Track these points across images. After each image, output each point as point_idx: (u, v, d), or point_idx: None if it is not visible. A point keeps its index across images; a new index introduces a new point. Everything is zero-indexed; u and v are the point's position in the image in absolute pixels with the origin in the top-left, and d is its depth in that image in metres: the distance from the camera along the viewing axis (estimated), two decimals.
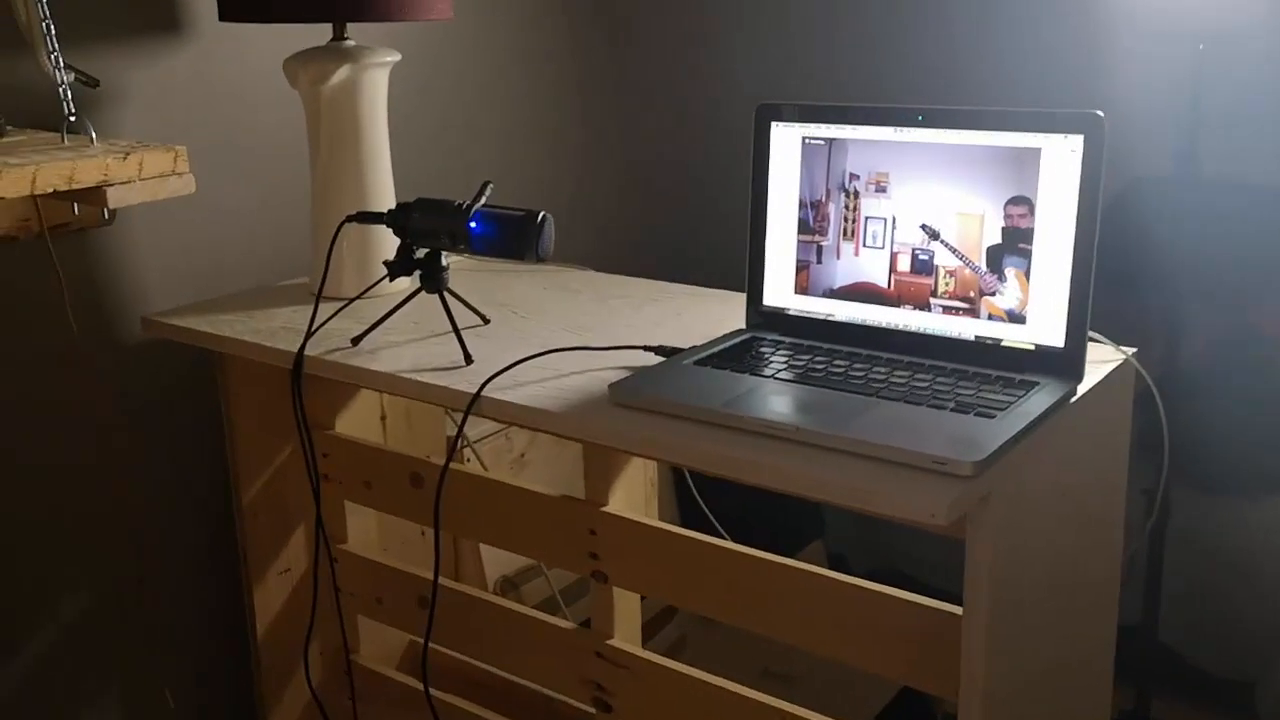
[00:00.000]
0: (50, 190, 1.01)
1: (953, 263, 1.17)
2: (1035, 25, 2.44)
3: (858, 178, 1.21)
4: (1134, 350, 1.22)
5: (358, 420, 1.64)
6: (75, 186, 1.04)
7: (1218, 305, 3.22)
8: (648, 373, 1.17)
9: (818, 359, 1.18)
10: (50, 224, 1.35)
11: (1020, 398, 1.06)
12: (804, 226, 1.24)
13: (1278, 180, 3.04)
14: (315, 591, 1.57)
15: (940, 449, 0.95)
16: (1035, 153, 1.10)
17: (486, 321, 1.38)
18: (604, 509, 1.36)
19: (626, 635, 1.42)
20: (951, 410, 1.04)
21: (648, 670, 1.38)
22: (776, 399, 1.09)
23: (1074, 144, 1.08)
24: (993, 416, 1.02)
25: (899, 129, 1.18)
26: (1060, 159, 1.09)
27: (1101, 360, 1.19)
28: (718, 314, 1.38)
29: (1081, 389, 1.11)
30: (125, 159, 1.07)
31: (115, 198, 1.07)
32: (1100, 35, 2.22)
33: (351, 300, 1.38)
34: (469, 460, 1.78)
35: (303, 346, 1.29)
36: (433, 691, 1.51)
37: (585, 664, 1.42)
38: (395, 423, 1.71)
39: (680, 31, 2.26)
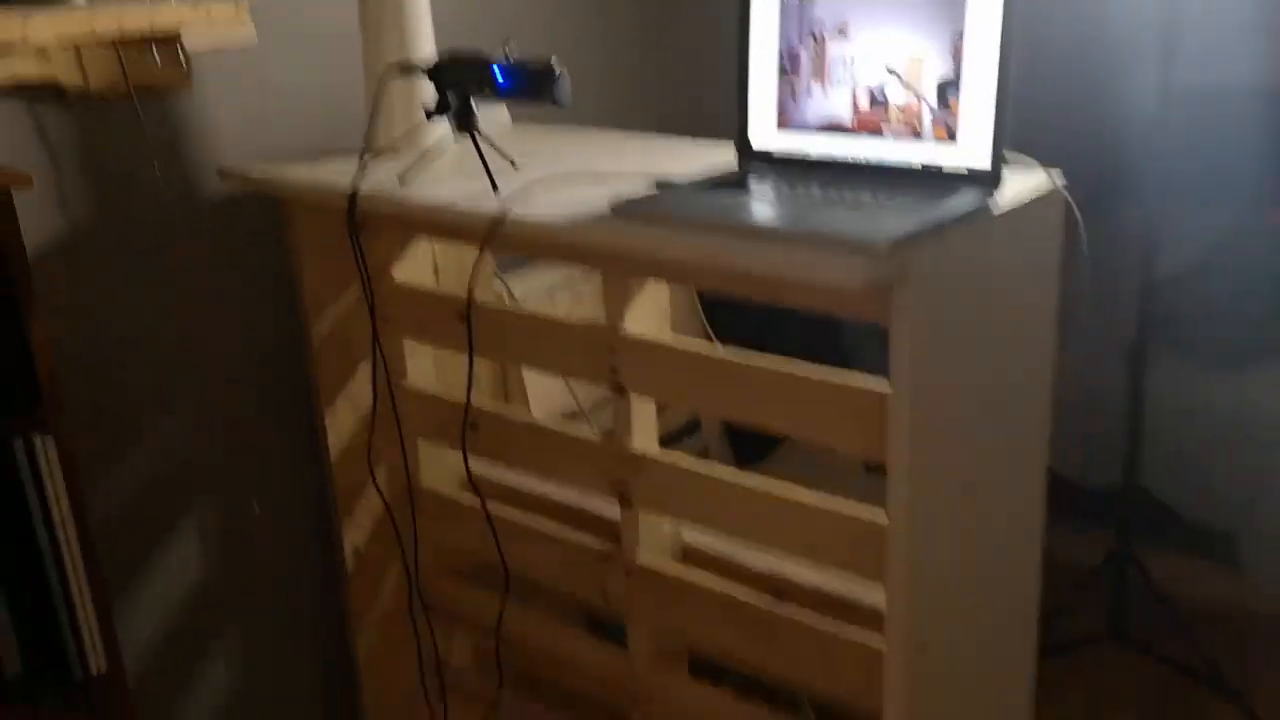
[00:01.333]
0: (135, 33, 1.23)
1: (903, 98, 1.35)
2: None
3: (825, 23, 1.39)
4: (1058, 171, 1.39)
5: (413, 269, 1.87)
6: (156, 32, 1.26)
7: (1213, 202, 3.34)
8: (647, 195, 1.38)
9: (788, 183, 1.38)
10: (136, 83, 1.58)
11: (944, 203, 1.25)
12: (782, 69, 1.44)
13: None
14: (373, 417, 1.82)
15: (865, 234, 1.15)
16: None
17: (515, 166, 1.59)
18: (620, 329, 1.57)
19: (643, 439, 1.64)
20: (886, 211, 1.24)
21: (661, 468, 1.60)
22: (747, 208, 1.29)
23: None
24: (916, 214, 1.21)
25: None
26: (984, 4, 1.27)
27: (1034, 186, 1.37)
28: (715, 156, 1.58)
29: (1005, 204, 1.30)
30: (195, 7, 1.29)
31: (191, 42, 1.29)
32: None
33: (395, 148, 1.61)
34: (504, 297, 2.01)
35: (356, 182, 1.52)
36: (488, 507, 1.76)
37: (608, 465, 1.65)
38: (447, 274, 1.93)
39: None
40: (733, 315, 1.89)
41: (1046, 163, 1.39)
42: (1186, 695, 2.54)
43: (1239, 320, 2.89)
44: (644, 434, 1.64)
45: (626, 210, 1.32)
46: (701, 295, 2.30)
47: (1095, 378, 2.66)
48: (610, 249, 1.35)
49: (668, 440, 2.22)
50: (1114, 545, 2.55)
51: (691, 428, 2.28)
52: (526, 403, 2.08)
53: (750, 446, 2.38)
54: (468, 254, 1.56)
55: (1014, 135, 1.33)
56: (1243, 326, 2.88)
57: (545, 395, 2.11)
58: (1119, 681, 2.65)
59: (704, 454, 2.25)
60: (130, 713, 1.50)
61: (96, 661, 1.43)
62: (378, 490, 1.89)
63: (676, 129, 1.82)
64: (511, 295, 2.05)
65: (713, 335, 1.92)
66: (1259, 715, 2.39)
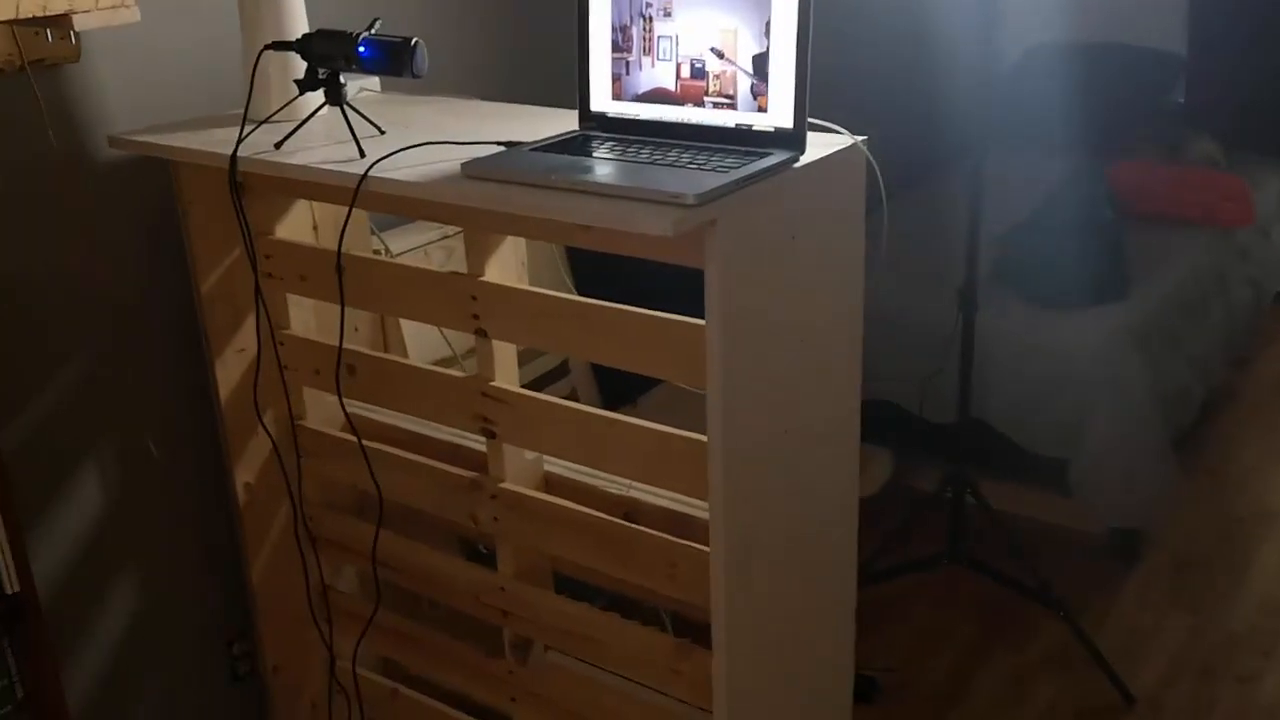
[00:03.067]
0: (30, 16, 1.38)
1: (719, 68, 1.55)
2: None
3: (651, 5, 1.58)
4: (863, 138, 1.61)
5: (294, 228, 2.02)
6: (49, 13, 1.41)
7: (1075, 156, 3.62)
8: (494, 156, 1.57)
9: (621, 146, 1.57)
10: (30, 58, 1.72)
11: (751, 161, 1.46)
12: (615, 46, 1.62)
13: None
14: (258, 364, 1.98)
15: (677, 188, 1.35)
16: None
17: (382, 132, 1.76)
18: (481, 278, 1.76)
19: (505, 378, 1.83)
20: (700, 169, 1.44)
21: (522, 402, 1.80)
22: (580, 167, 1.49)
23: None
24: (725, 171, 1.42)
25: None
26: None
27: (834, 144, 1.58)
28: (562, 123, 1.76)
29: (806, 159, 1.51)
30: None
31: (80, 23, 1.45)
32: None
33: (273, 114, 1.77)
34: (381, 253, 2.18)
35: (235, 149, 1.68)
36: (364, 443, 1.94)
37: (474, 403, 1.83)
38: (325, 231, 2.09)
39: None
40: (606, 273, 2.06)
41: (883, 127, 1.59)
42: (1020, 610, 2.83)
43: (1069, 264, 3.17)
44: (505, 373, 1.83)
45: (474, 170, 1.51)
46: (571, 254, 2.49)
47: (935, 320, 2.89)
48: (460, 205, 1.53)
49: (538, 384, 2.42)
50: (948, 473, 2.80)
51: (561, 372, 2.48)
52: (405, 352, 2.26)
53: (617, 389, 2.59)
54: (343, 212, 1.73)
55: (848, 104, 1.54)
56: (1071, 270, 3.15)
57: (422, 346, 2.29)
58: (959, 598, 2.93)
59: (572, 396, 2.45)
60: (43, 629, 1.66)
61: (10, 582, 1.59)
62: (265, 431, 2.05)
63: (534, 100, 2.00)
64: (389, 251, 2.22)
65: (573, 285, 2.11)
66: (1081, 626, 2.67)
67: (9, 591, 1.59)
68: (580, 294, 2.35)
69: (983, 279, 2.69)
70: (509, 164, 1.52)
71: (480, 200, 1.48)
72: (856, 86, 3.30)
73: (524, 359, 2.28)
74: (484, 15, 2.54)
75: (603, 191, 1.41)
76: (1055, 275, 3.12)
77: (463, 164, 1.53)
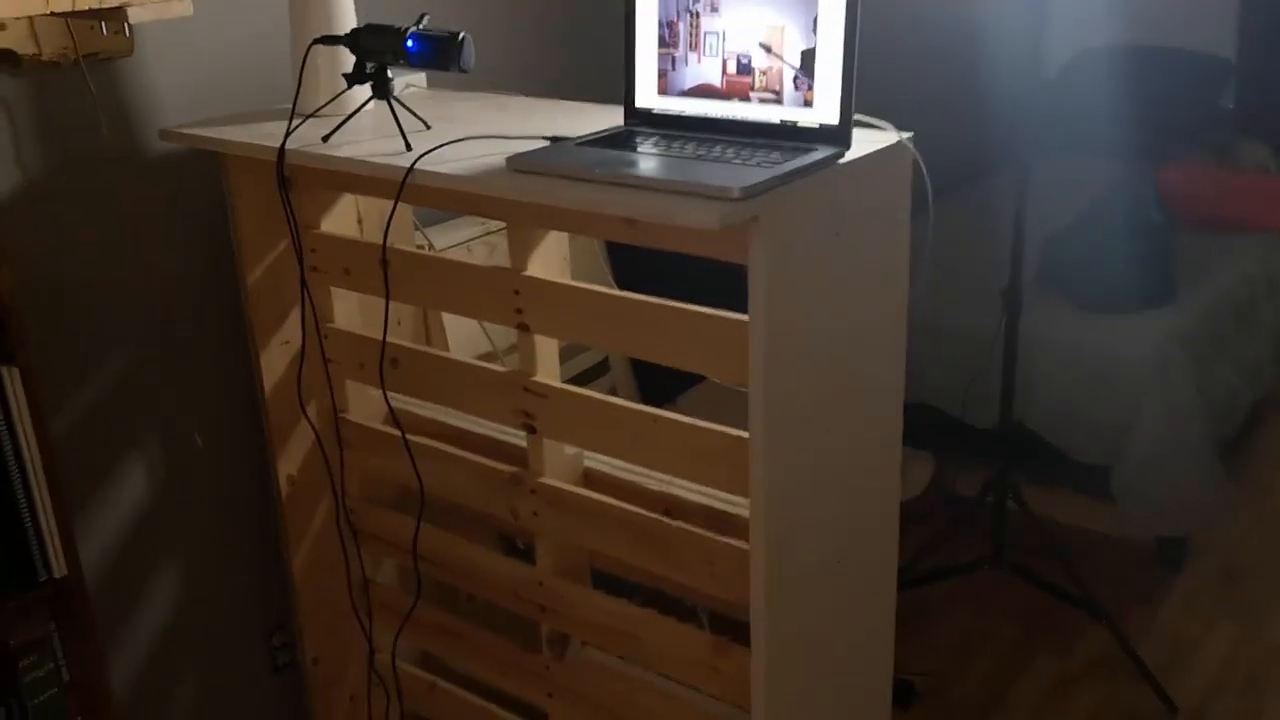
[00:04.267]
0: (86, 9, 1.40)
1: (766, 64, 1.55)
2: None
3: (699, 0, 1.58)
4: (910, 134, 1.60)
5: (339, 222, 2.04)
6: (105, 5, 1.43)
7: (1124, 160, 3.58)
8: (539, 150, 1.57)
9: (666, 141, 1.57)
10: (84, 51, 1.74)
11: (797, 156, 1.45)
12: (662, 41, 1.62)
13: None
14: (303, 357, 2.00)
15: (722, 182, 1.35)
16: None
17: (428, 127, 1.77)
18: (524, 272, 1.76)
19: (546, 372, 1.83)
20: (745, 164, 1.43)
21: (562, 397, 1.80)
22: (625, 161, 1.49)
23: None
24: (771, 166, 1.41)
25: None
26: None
27: (881, 141, 1.57)
28: (607, 119, 1.77)
29: (852, 155, 1.50)
30: None
31: (134, 16, 1.47)
32: None
33: (321, 108, 1.78)
34: (424, 249, 2.19)
35: (284, 142, 1.70)
36: (406, 436, 1.95)
37: (515, 397, 1.84)
38: (369, 225, 2.11)
39: None
40: (646, 273, 2.06)
41: (929, 128, 1.58)
42: (1062, 616, 2.80)
43: (1116, 268, 3.13)
44: (546, 368, 1.83)
45: (520, 163, 1.51)
46: (612, 254, 2.49)
47: (979, 323, 2.87)
48: (505, 199, 1.54)
49: (578, 381, 2.42)
50: (991, 478, 2.77)
51: (601, 370, 2.48)
52: (446, 347, 2.27)
53: (656, 387, 2.58)
54: (387, 207, 1.74)
55: (895, 105, 1.53)
56: (1119, 274, 3.12)
57: (464, 341, 2.30)
58: (1000, 603, 2.91)
59: (611, 394, 2.45)
60: (90, 613, 1.68)
61: (58, 566, 1.61)
62: (309, 423, 2.07)
63: (580, 96, 2.00)
64: (431, 246, 2.23)
65: (614, 281, 2.11)
66: (1125, 634, 2.64)
67: (57, 575, 1.61)
68: (621, 285, 2.37)
69: (1028, 282, 2.67)
70: (554, 158, 1.53)
71: (525, 194, 1.48)
72: (903, 87, 3.29)
73: (564, 357, 2.29)
74: (531, 11, 2.55)
75: (648, 185, 1.41)
76: (1102, 279, 3.09)
77: (508, 158, 1.53)
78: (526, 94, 2.07)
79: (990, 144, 3.56)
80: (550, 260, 1.79)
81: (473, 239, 2.32)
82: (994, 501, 2.77)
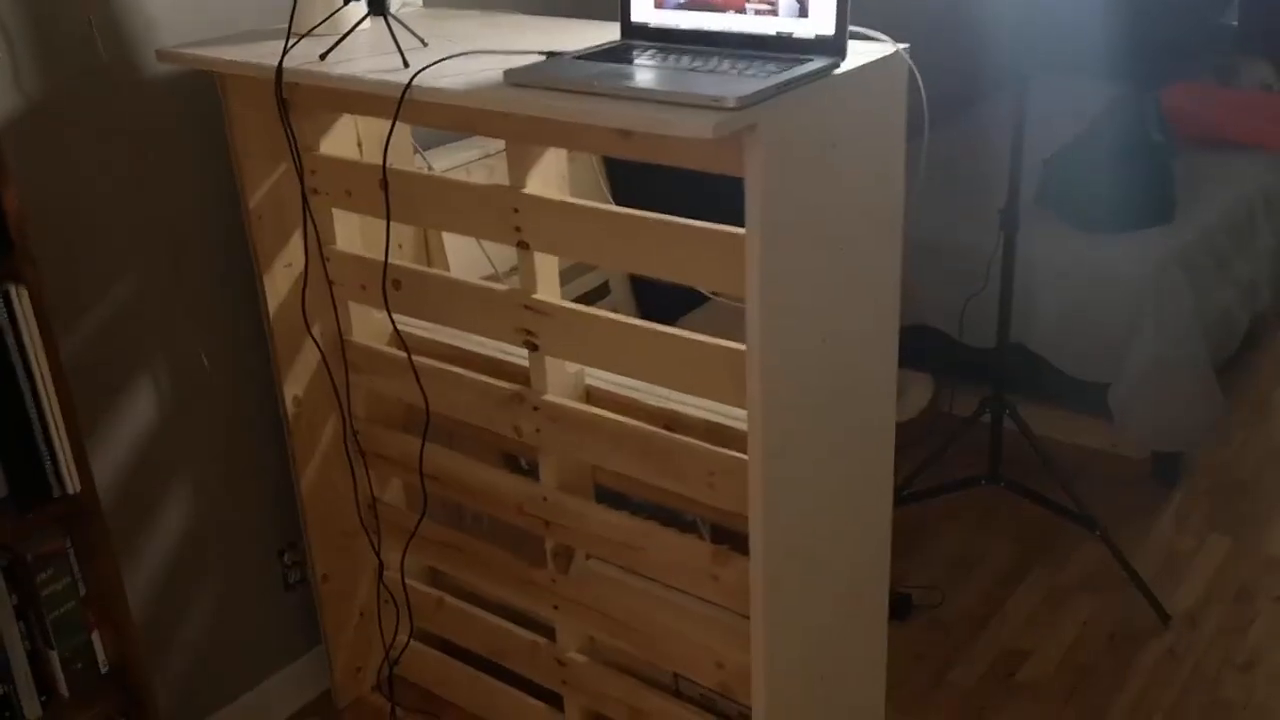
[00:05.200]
0: None
1: None
2: None
3: None
4: (905, 45, 1.60)
5: (339, 144, 2.05)
6: None
7: (1125, 80, 3.56)
8: (536, 64, 1.58)
9: (663, 54, 1.58)
10: None
11: (792, 66, 1.46)
12: None
13: None
14: (305, 278, 2.02)
15: (717, 92, 1.36)
16: None
17: (425, 44, 1.77)
18: (523, 190, 1.78)
19: (547, 290, 1.85)
20: (741, 75, 1.44)
21: (563, 314, 1.82)
22: (622, 74, 1.49)
23: None
24: (766, 76, 1.42)
25: None
26: None
27: (876, 51, 1.58)
28: (604, 34, 1.77)
29: (848, 66, 1.51)
30: None
31: None
32: None
33: (317, 26, 1.79)
34: (424, 169, 2.21)
35: (281, 60, 1.70)
36: (412, 357, 1.98)
37: (516, 315, 1.86)
38: (369, 147, 2.12)
39: None
40: (644, 191, 2.07)
41: (927, 48, 1.58)
42: (1057, 531, 2.84)
43: (1115, 188, 3.13)
44: (547, 286, 1.85)
45: (517, 77, 1.52)
46: (610, 172, 2.50)
47: (977, 244, 2.88)
48: (503, 113, 1.55)
49: (580, 303, 2.44)
50: (988, 396, 2.80)
51: (602, 292, 2.50)
52: (447, 268, 2.29)
53: (657, 309, 2.61)
54: (386, 128, 1.76)
55: (891, 28, 1.54)
56: (1118, 194, 3.12)
57: (465, 263, 2.32)
58: (997, 519, 2.95)
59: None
60: (103, 529, 1.72)
61: (72, 482, 1.64)
62: (316, 344, 2.10)
63: (577, 13, 2.00)
64: (431, 169, 2.24)
65: (612, 198, 2.12)
66: (1119, 547, 2.68)
67: (70, 491, 1.65)
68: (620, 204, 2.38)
69: (1026, 204, 2.68)
70: (551, 71, 1.53)
71: (522, 106, 1.49)
72: (898, 9, 3.27)
73: (564, 279, 2.31)
74: None
75: (644, 96, 1.42)
76: (1101, 198, 3.10)
77: (505, 71, 1.54)
78: (524, 10, 2.07)
79: (989, 65, 3.54)
80: (549, 178, 1.80)
81: (471, 161, 2.33)
82: (991, 419, 2.80)
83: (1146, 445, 3.11)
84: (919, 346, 3.15)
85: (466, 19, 2.00)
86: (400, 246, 2.25)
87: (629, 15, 1.67)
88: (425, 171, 2.24)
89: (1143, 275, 3.00)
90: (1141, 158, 3.14)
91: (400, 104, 1.59)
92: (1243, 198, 3.44)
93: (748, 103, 1.35)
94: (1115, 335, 3.01)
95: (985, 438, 2.80)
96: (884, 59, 1.57)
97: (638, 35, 1.66)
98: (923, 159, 1.70)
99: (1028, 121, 2.57)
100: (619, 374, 1.88)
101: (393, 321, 1.92)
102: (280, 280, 2.08)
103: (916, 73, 1.61)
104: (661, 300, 2.67)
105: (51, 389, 1.59)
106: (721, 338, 1.66)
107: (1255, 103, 3.71)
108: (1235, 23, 4.15)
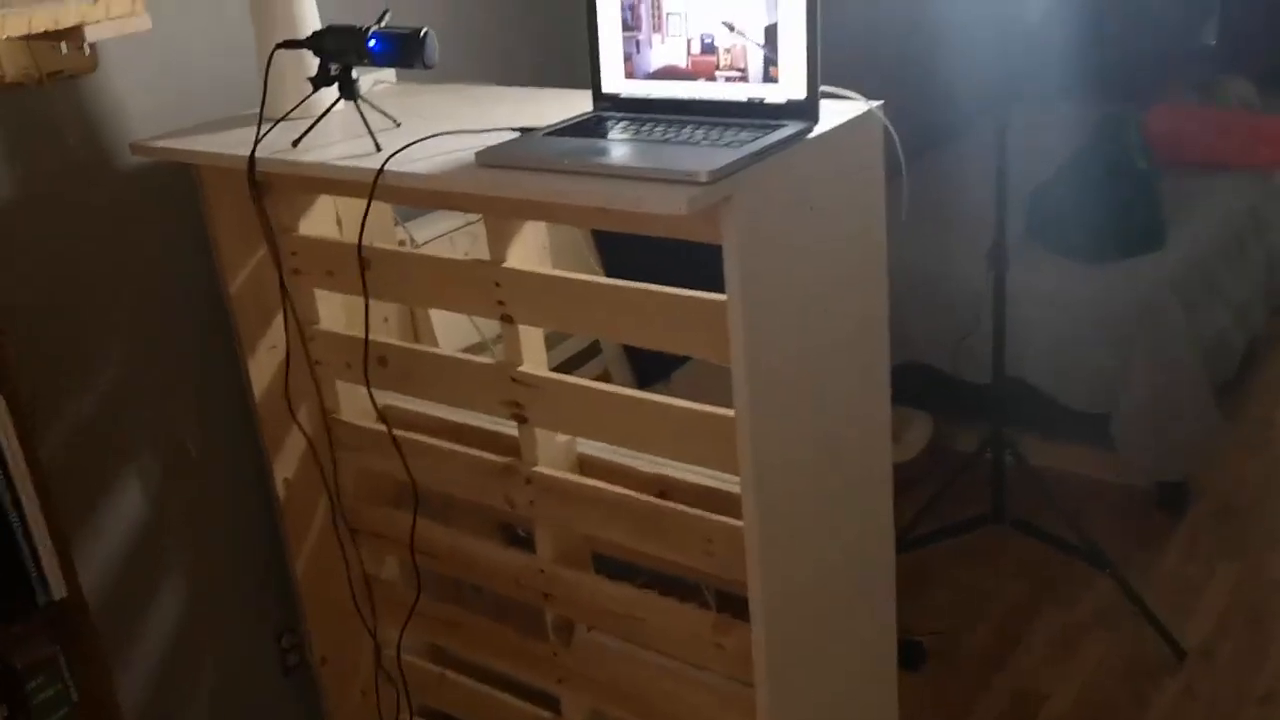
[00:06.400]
0: (42, 30, 1.40)
1: (730, 42, 1.54)
2: None
3: None
4: (879, 102, 1.59)
5: (318, 222, 2.04)
6: (61, 26, 1.43)
7: (1108, 104, 3.55)
8: (507, 143, 1.56)
9: (635, 125, 1.57)
10: (47, 70, 1.74)
11: (764, 134, 1.45)
12: (625, 24, 1.62)
13: None
14: (288, 361, 2.01)
15: (690, 166, 1.35)
16: None
17: (398, 124, 1.76)
18: (503, 265, 1.76)
19: (533, 362, 1.83)
20: (714, 146, 1.43)
21: (550, 386, 1.80)
22: (593, 149, 1.48)
23: None
24: (739, 146, 1.41)
25: None
26: None
27: (851, 112, 1.56)
28: (576, 105, 1.76)
29: (821, 129, 1.50)
30: (95, 4, 1.47)
31: (92, 34, 1.47)
32: None
33: (289, 113, 1.78)
34: (406, 243, 2.19)
35: (253, 150, 1.69)
36: (396, 433, 1.96)
37: (504, 389, 1.84)
38: (348, 225, 2.10)
39: None
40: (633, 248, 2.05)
41: (908, 87, 1.57)
42: (1066, 568, 2.81)
43: (1104, 216, 3.12)
44: (533, 358, 1.83)
45: (488, 158, 1.51)
46: (597, 231, 2.49)
47: (967, 280, 2.87)
48: (478, 193, 1.54)
49: (570, 364, 2.42)
50: (988, 434, 2.78)
51: (593, 352, 2.48)
52: (435, 340, 2.27)
53: (650, 366, 2.58)
54: (365, 205, 1.74)
55: (868, 67, 1.52)
56: (1106, 222, 3.11)
57: (453, 332, 2.30)
58: (1004, 559, 2.92)
59: (604, 375, 2.46)
60: (93, 633, 1.69)
61: (57, 588, 1.62)
62: (300, 427, 2.07)
63: (550, 81, 1.99)
64: (413, 241, 2.22)
65: (598, 263, 2.11)
66: (1129, 581, 2.65)
67: (56, 598, 1.62)
68: (609, 269, 2.37)
69: (1015, 235, 2.67)
70: (522, 150, 1.52)
71: (495, 188, 1.48)
72: (876, 49, 3.27)
73: (555, 340, 2.29)
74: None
75: (616, 173, 1.41)
76: (1090, 228, 3.09)
77: (477, 153, 1.53)
78: (497, 80, 2.07)
79: (970, 98, 3.54)
80: (529, 250, 1.79)
81: (455, 229, 2.32)
82: (992, 457, 2.78)
83: (1150, 474, 3.08)
84: (915, 384, 3.13)
85: (440, 93, 1.99)
86: (386, 320, 2.23)
87: (600, 86, 1.66)
88: (407, 244, 2.23)
89: (1136, 303, 2.98)
90: (1127, 185, 3.13)
91: (373, 190, 1.57)
92: (1231, 219, 3.43)
93: (720, 175, 1.34)
94: (1112, 365, 2.99)
95: (988, 474, 2.77)
96: (857, 118, 1.56)
97: (609, 106, 1.65)
98: (904, 202, 1.69)
99: (1012, 153, 2.56)
100: (609, 443, 1.86)
101: (373, 401, 1.90)
102: (265, 363, 2.06)
103: (891, 130, 1.60)
104: (654, 357, 2.65)
105: (33, 495, 1.57)
106: (717, 390, 1.63)
107: (1238, 122, 3.71)
108: (1214, 42, 4.16)
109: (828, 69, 1.51)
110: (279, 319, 2.06)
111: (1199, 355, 3.02)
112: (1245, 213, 3.50)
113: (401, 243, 2.23)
